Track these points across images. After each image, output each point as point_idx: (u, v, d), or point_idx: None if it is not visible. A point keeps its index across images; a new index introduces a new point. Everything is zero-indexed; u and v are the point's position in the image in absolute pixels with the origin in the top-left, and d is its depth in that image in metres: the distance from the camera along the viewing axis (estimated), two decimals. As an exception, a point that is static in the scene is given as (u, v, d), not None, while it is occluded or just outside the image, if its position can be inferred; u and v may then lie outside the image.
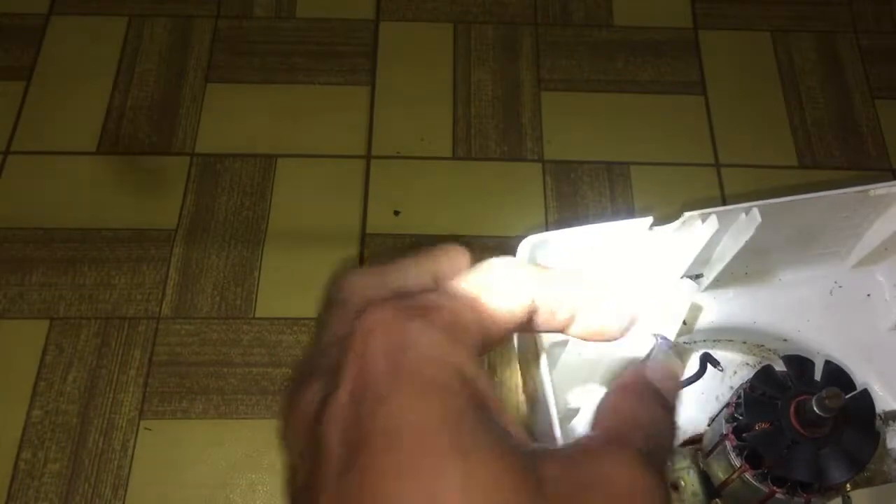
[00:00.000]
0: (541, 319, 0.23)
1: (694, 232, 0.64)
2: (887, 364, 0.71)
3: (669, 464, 0.49)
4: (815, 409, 0.40)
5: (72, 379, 0.95)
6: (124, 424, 0.93)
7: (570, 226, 0.62)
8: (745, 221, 0.61)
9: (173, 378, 0.96)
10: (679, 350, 0.71)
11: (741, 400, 0.46)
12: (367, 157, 1.12)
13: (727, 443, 0.45)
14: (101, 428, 0.93)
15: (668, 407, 0.25)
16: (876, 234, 0.71)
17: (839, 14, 1.27)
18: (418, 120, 1.15)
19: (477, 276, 0.22)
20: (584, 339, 0.25)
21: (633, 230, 0.60)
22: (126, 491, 0.89)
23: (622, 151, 1.13)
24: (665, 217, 1.05)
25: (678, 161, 1.12)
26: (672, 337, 0.70)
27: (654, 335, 0.70)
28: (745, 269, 0.76)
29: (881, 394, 0.68)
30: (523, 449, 0.18)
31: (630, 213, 1.08)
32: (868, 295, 0.76)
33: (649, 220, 0.63)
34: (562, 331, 0.25)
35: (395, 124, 1.14)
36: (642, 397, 0.25)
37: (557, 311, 0.24)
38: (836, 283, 0.77)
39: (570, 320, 0.24)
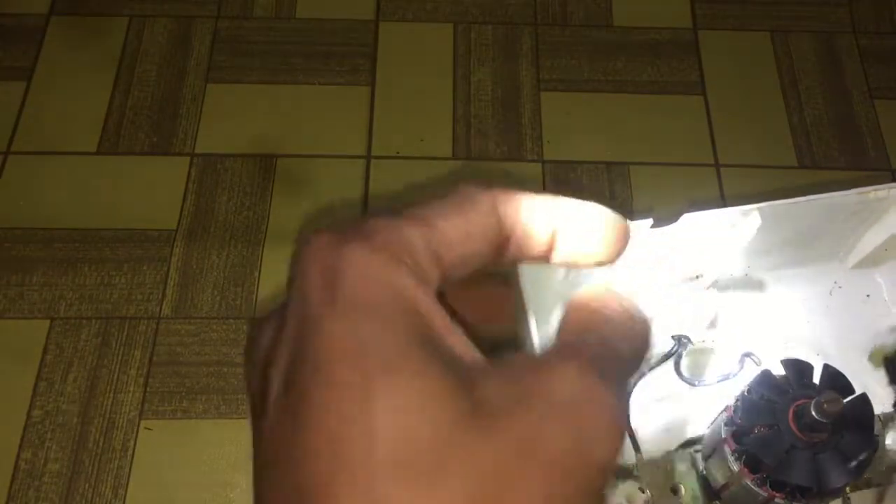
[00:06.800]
0: (515, 246, 0.21)
1: (694, 233, 0.64)
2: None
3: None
4: (813, 413, 0.40)
5: (72, 379, 0.95)
6: (124, 424, 0.93)
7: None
8: (745, 223, 0.62)
9: (173, 378, 0.96)
10: (701, 350, 0.71)
11: (739, 403, 0.46)
12: (367, 157, 1.12)
13: (726, 447, 0.45)
14: (101, 428, 0.93)
15: (633, 314, 0.22)
16: (875, 235, 0.72)
17: (839, 14, 1.27)
18: (418, 120, 1.15)
19: (435, 200, 0.20)
20: (572, 265, 0.23)
21: (634, 232, 0.60)
22: (126, 491, 0.89)
23: (622, 151, 1.13)
24: (665, 218, 1.04)
25: (678, 161, 1.12)
26: (695, 339, 0.70)
27: (674, 336, 0.70)
28: (745, 269, 0.76)
29: (880, 394, 0.68)
30: (464, 369, 0.18)
31: (629, 213, 1.08)
32: (868, 295, 0.77)
33: (649, 221, 0.63)
34: (543, 258, 0.22)
35: (395, 124, 1.14)
36: (604, 305, 0.22)
37: (534, 232, 0.21)
38: (835, 283, 0.77)
39: (551, 242, 0.21)
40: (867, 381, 0.68)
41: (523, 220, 0.21)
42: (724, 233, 0.65)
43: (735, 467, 0.44)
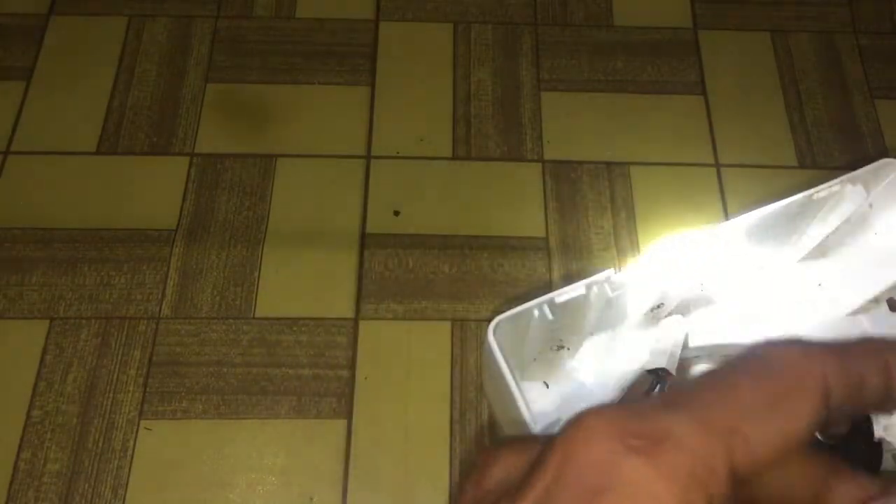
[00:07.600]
0: (838, 401, 0.17)
1: (657, 268, 0.65)
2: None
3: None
4: (818, 437, 0.40)
5: (72, 379, 0.95)
6: (124, 424, 0.93)
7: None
8: (706, 248, 0.63)
9: (173, 378, 0.96)
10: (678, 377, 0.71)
11: None
12: (367, 157, 1.12)
13: None
14: (100, 428, 0.93)
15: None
16: (819, 229, 0.75)
17: (839, 14, 1.27)
18: (418, 120, 1.15)
19: (745, 384, 0.16)
20: None
21: (599, 283, 0.62)
22: (126, 491, 0.89)
23: (622, 151, 1.13)
24: (664, 219, 1.05)
25: (678, 161, 1.12)
26: (671, 370, 0.71)
27: (651, 371, 0.70)
28: (700, 287, 0.77)
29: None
30: None
31: (630, 213, 1.08)
32: (819, 284, 0.79)
33: (611, 271, 0.65)
34: (873, 407, 0.18)
35: (395, 124, 1.14)
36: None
37: (865, 380, 0.17)
38: (787, 277, 0.79)
39: (885, 383, 0.17)
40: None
41: (853, 382, 0.17)
42: (681, 260, 0.67)
43: None
